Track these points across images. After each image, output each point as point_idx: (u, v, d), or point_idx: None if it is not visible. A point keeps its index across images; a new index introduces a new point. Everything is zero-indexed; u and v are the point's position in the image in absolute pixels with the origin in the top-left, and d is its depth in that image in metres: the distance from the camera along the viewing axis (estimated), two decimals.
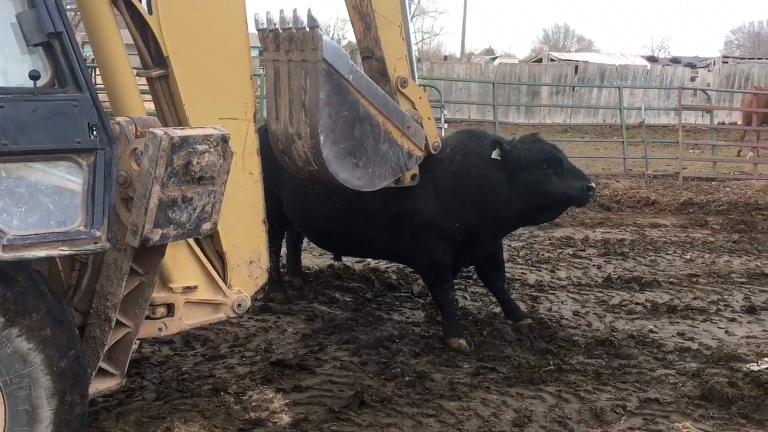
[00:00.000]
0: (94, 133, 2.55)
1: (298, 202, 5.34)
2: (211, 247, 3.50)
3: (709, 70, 27.89)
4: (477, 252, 5.20)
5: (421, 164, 4.80)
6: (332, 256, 6.94)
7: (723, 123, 22.56)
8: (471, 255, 5.20)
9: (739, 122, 19.65)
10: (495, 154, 4.81)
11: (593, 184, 4.94)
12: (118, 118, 2.83)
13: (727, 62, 30.07)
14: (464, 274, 6.50)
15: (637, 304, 6.09)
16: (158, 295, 3.29)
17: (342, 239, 5.46)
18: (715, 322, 5.71)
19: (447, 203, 4.90)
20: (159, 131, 2.62)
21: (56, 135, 2.50)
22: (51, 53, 2.52)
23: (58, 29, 2.49)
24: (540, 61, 33.80)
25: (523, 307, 5.76)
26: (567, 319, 5.67)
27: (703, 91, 19.86)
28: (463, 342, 4.91)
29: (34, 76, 2.44)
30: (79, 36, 13.10)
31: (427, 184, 4.87)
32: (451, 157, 4.95)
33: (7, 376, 2.52)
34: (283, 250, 6.26)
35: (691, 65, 30.18)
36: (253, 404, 4.04)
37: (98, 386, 3.06)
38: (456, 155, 4.97)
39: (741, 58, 35.59)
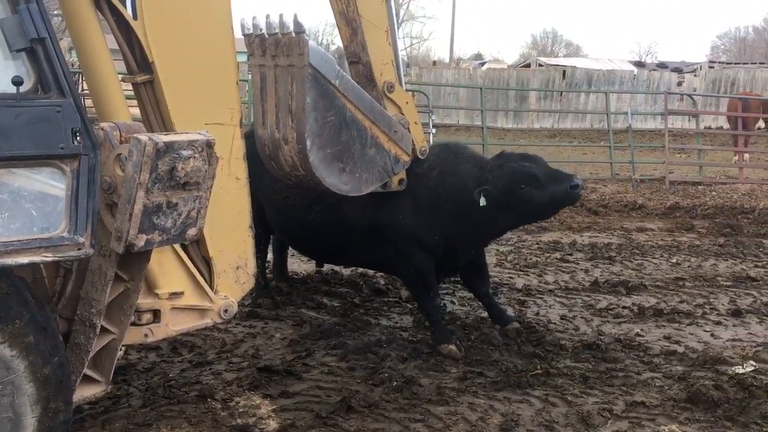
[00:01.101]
0: (78, 138, 2.54)
1: (280, 211, 5.35)
2: (197, 253, 3.49)
3: (695, 75, 28.09)
4: (461, 260, 5.21)
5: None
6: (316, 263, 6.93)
7: (709, 127, 22.73)
8: (455, 263, 5.22)
9: (725, 127, 19.81)
10: (482, 202, 4.72)
11: (577, 181, 4.85)
12: (103, 124, 2.82)
13: (713, 67, 30.29)
14: (452, 279, 6.51)
15: (623, 307, 6.12)
16: (144, 301, 3.27)
17: (324, 248, 5.49)
18: (701, 326, 5.74)
19: (426, 218, 4.90)
20: (143, 137, 2.62)
21: (39, 141, 2.48)
22: (34, 59, 2.51)
23: (41, 35, 2.48)
24: (528, 66, 33.93)
25: (510, 311, 5.78)
26: (554, 323, 5.68)
27: (690, 96, 20.02)
28: (453, 348, 4.91)
29: (17, 81, 2.43)
30: (66, 41, 13.05)
31: (406, 197, 4.87)
32: (428, 173, 4.91)
33: None
34: (270, 256, 6.24)
35: (677, 70, 30.38)
36: (240, 410, 4.03)
37: (83, 393, 3.04)
38: (433, 171, 4.92)
39: (727, 63, 35.89)
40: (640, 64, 36.54)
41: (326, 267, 6.87)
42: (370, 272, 6.76)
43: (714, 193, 12.20)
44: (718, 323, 5.82)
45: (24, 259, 2.44)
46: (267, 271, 6.12)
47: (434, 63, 42.72)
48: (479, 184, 4.80)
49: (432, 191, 4.90)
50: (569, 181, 4.82)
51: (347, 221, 4.98)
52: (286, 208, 5.26)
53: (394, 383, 4.39)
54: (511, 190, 4.76)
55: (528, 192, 4.76)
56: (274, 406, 4.09)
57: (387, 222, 4.91)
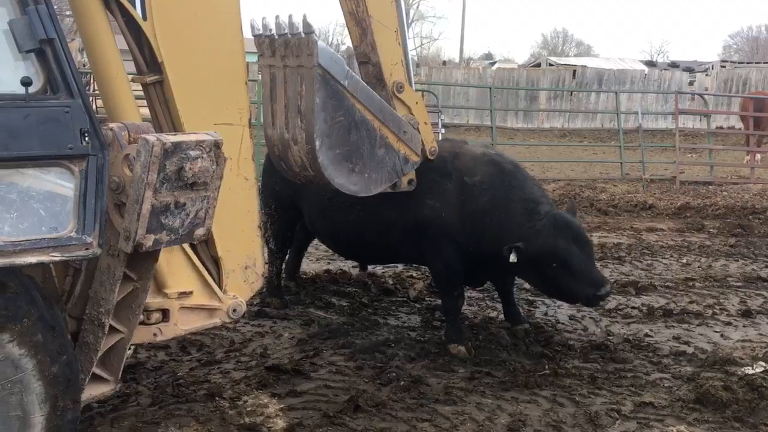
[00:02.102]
0: (86, 139, 2.56)
1: (324, 214, 5.35)
2: (206, 253, 3.50)
3: (707, 75, 27.92)
4: (489, 271, 5.20)
5: (450, 178, 4.84)
6: (329, 261, 6.96)
7: (721, 127, 22.60)
8: (483, 271, 5.18)
9: (737, 126, 19.68)
10: (512, 259, 4.59)
11: (604, 292, 4.69)
12: (111, 124, 2.83)
13: (725, 67, 30.10)
14: None
15: (633, 308, 6.10)
16: (153, 301, 3.29)
17: (369, 249, 5.47)
18: (711, 326, 5.72)
19: (466, 227, 4.88)
20: (151, 137, 2.63)
21: (48, 141, 2.50)
22: (43, 60, 2.52)
23: (50, 36, 2.49)
24: (538, 65, 33.85)
25: (521, 311, 5.76)
26: (563, 323, 5.67)
27: (701, 95, 19.91)
28: (462, 349, 4.90)
29: (26, 82, 2.44)
30: (77, 42, 13.12)
31: (453, 199, 4.87)
32: (478, 195, 4.86)
33: None
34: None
35: (689, 70, 30.21)
36: (248, 409, 4.04)
37: (92, 392, 3.06)
38: (483, 195, 4.84)
39: (739, 63, 35.65)
40: (651, 64, 36.36)
41: (334, 267, 6.89)
42: (379, 272, 6.78)
43: (725, 193, 12.13)
44: (728, 324, 5.79)
45: (32, 259, 2.46)
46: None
47: (444, 63, 42.67)
48: (520, 234, 4.67)
49: (477, 214, 4.84)
50: (597, 289, 4.68)
51: (391, 217, 4.98)
52: (330, 211, 5.25)
53: (402, 383, 4.40)
54: (539, 260, 4.66)
55: (554, 272, 4.67)
56: (282, 405, 4.10)
57: (429, 218, 4.90)
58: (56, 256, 2.51)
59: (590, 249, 4.82)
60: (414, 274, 6.75)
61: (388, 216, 5.00)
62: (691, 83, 26.32)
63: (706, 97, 18.82)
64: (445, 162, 4.93)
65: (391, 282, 6.57)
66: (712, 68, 29.24)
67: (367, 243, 5.35)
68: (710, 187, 12.71)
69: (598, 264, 7.43)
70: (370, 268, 6.80)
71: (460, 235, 4.89)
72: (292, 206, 5.53)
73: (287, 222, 5.69)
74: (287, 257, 6.25)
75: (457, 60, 46.29)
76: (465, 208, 4.87)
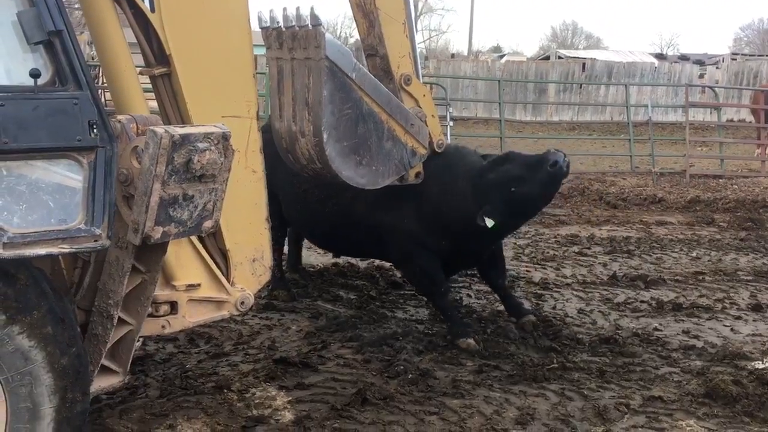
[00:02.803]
0: (95, 131, 2.56)
1: (296, 204, 5.39)
2: (214, 245, 3.50)
3: (717, 67, 27.74)
4: (473, 257, 5.21)
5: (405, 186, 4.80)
6: (333, 255, 6.95)
7: (731, 120, 22.46)
8: (466, 260, 5.20)
9: (748, 120, 19.55)
10: (490, 223, 4.65)
11: (553, 157, 4.68)
12: (119, 116, 2.83)
13: (735, 59, 29.89)
14: (468, 272, 6.49)
15: (642, 302, 6.07)
16: (161, 293, 3.29)
17: (338, 241, 5.55)
18: (721, 320, 5.69)
19: (429, 223, 4.89)
20: (159, 129, 2.62)
21: (57, 133, 2.50)
22: (51, 51, 2.52)
23: (59, 27, 2.49)
24: (548, 58, 33.70)
25: (527, 304, 5.75)
26: (571, 317, 5.65)
27: (711, 88, 19.78)
28: (471, 342, 4.88)
29: (35, 74, 2.44)
30: (86, 35, 13.15)
31: (410, 202, 4.87)
32: (429, 187, 4.85)
33: (8, 374, 2.53)
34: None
35: (699, 62, 30.05)
36: (256, 401, 4.05)
37: (101, 383, 3.07)
38: (433, 188, 4.85)
39: (750, 55, 35.40)
40: (661, 56, 36.19)
41: (343, 259, 6.89)
42: (387, 265, 6.76)
43: (735, 186, 12.06)
44: (738, 318, 5.76)
45: (41, 251, 2.46)
46: (283, 263, 6.14)
47: (452, 56, 42.52)
48: (475, 201, 4.74)
49: (436, 201, 4.86)
50: (546, 161, 4.70)
51: (358, 216, 5.01)
52: (302, 202, 5.30)
53: (410, 376, 4.40)
54: (505, 200, 4.69)
55: (519, 192, 4.69)
56: (290, 398, 4.11)
57: (391, 222, 4.94)
58: (65, 248, 2.52)
59: (518, 154, 4.96)
60: None
61: (355, 214, 5.03)
62: (701, 76, 26.15)
63: (716, 89, 18.70)
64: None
65: (399, 275, 6.56)
66: (723, 61, 29.06)
67: (338, 237, 5.42)
68: (720, 180, 12.63)
69: (606, 258, 7.45)
70: (377, 261, 6.79)
71: (425, 236, 4.90)
72: (273, 196, 5.49)
73: (271, 211, 5.66)
74: (288, 249, 6.26)
75: (465, 53, 46.19)
76: (423, 207, 4.88)
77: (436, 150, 4.79)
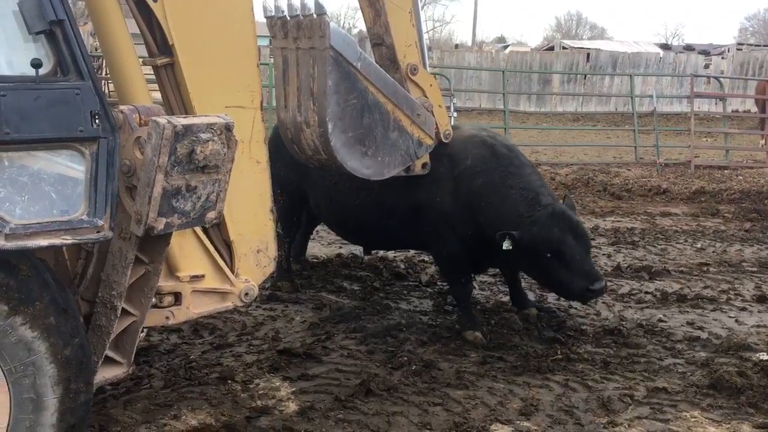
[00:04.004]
0: (97, 121, 2.54)
1: (329, 199, 5.34)
2: (218, 236, 3.49)
3: (723, 58, 27.62)
4: (498, 257, 5.16)
5: (442, 161, 4.74)
6: (340, 245, 6.95)
7: (736, 111, 22.36)
8: (492, 259, 5.12)
9: (753, 110, 19.46)
10: (506, 246, 4.54)
11: (599, 286, 4.60)
12: (122, 107, 2.81)
13: (741, 49, 29.74)
14: None
15: (646, 293, 6.06)
16: (165, 284, 3.29)
17: (372, 233, 5.43)
18: (725, 312, 5.67)
19: (462, 210, 4.82)
20: (162, 120, 2.61)
21: (58, 123, 2.48)
22: (53, 41, 2.50)
23: (60, 17, 2.47)
24: (552, 49, 33.57)
25: (531, 296, 5.74)
26: (575, 308, 5.64)
27: (716, 78, 19.68)
28: (478, 335, 4.87)
29: (36, 64, 2.43)
30: (89, 25, 13.13)
31: (447, 183, 4.81)
32: (470, 173, 4.79)
33: (11, 364, 2.53)
34: None
35: (705, 53, 29.89)
36: (260, 392, 4.06)
37: (105, 374, 3.06)
38: (476, 178, 4.77)
39: (756, 45, 35.21)
40: (666, 47, 36.01)
41: (346, 251, 6.88)
42: (390, 256, 6.76)
43: (740, 177, 12.02)
44: (743, 309, 5.75)
45: (44, 242, 2.45)
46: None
47: (456, 46, 42.41)
48: (518, 222, 4.60)
49: (471, 197, 4.77)
50: (590, 283, 4.58)
51: (392, 201, 4.95)
52: (335, 195, 5.23)
53: (414, 367, 4.39)
54: (534, 249, 4.57)
55: (549, 262, 4.59)
56: (294, 389, 4.11)
57: (427, 202, 4.86)
58: (68, 239, 2.51)
59: (586, 244, 4.73)
60: (426, 259, 6.73)
61: (388, 201, 4.98)
62: (706, 66, 26.02)
63: (721, 80, 18.60)
64: (437, 146, 4.81)
65: (402, 266, 6.56)
66: (728, 51, 28.95)
67: (370, 228, 5.33)
68: (725, 171, 12.58)
69: (610, 249, 7.42)
70: (380, 252, 6.78)
71: (457, 221, 4.84)
72: (298, 191, 5.51)
73: (294, 206, 5.67)
74: (296, 239, 6.25)
75: (469, 43, 46.03)
76: (459, 191, 4.81)
77: (443, 140, 4.76)
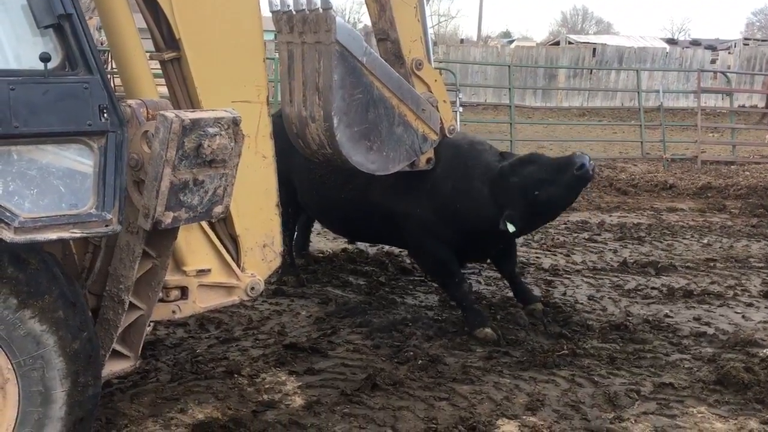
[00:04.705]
0: (105, 115, 2.54)
1: (312, 191, 5.36)
2: (224, 231, 3.50)
3: (729, 53, 27.50)
4: (486, 250, 5.18)
5: (416, 174, 4.74)
6: (346, 240, 6.95)
7: (743, 106, 22.28)
8: (480, 252, 5.16)
9: (760, 105, 19.38)
10: (512, 228, 4.57)
11: (579, 160, 4.58)
12: (129, 101, 2.82)
13: (748, 44, 29.60)
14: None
15: (653, 288, 6.05)
16: (172, 278, 3.30)
17: (354, 228, 5.51)
18: (732, 307, 5.66)
19: (443, 216, 4.84)
20: (170, 114, 2.61)
21: (67, 117, 2.49)
22: (61, 35, 2.51)
23: (68, 11, 2.47)
24: (557, 44, 33.46)
25: (537, 291, 5.74)
26: (581, 303, 5.63)
27: (723, 73, 19.63)
28: (489, 331, 4.83)
29: (45, 58, 2.43)
30: (95, 20, 13.16)
31: (422, 194, 4.83)
32: (440, 179, 4.81)
33: (20, 357, 2.54)
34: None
35: (711, 47, 29.75)
36: (267, 386, 4.06)
37: (112, 368, 3.08)
38: (446, 183, 4.79)
39: (762, 40, 35.04)
40: (672, 42, 35.87)
41: (352, 245, 6.89)
42: (396, 251, 6.76)
43: (747, 172, 11.98)
44: (750, 305, 5.73)
45: (52, 236, 2.46)
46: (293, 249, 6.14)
47: (462, 41, 42.32)
48: (493, 204, 4.67)
49: (446, 202, 4.80)
50: (573, 164, 4.60)
51: (374, 201, 4.98)
52: (319, 188, 5.27)
53: (419, 362, 4.40)
54: (528, 203, 4.62)
55: (543, 196, 4.62)
56: (300, 383, 4.12)
57: (404, 211, 4.90)
58: (76, 233, 2.52)
59: (542, 157, 4.80)
60: None
61: (372, 199, 5.00)
62: (713, 61, 25.94)
63: (728, 75, 18.54)
64: None
65: (408, 261, 6.56)
66: (735, 46, 28.80)
67: (353, 221, 5.38)
68: (732, 166, 12.55)
69: (616, 244, 7.41)
70: (386, 248, 6.78)
71: (438, 227, 4.85)
72: (287, 182, 5.49)
73: (287, 198, 5.67)
74: (297, 233, 6.26)
75: (474, 38, 45.93)
76: (434, 201, 4.83)
77: (447, 135, 4.76)
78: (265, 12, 3.88)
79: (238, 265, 3.49)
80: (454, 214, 4.81)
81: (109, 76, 3.33)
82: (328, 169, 5.00)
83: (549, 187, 4.62)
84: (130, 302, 2.97)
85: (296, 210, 5.79)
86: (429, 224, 4.88)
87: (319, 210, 5.63)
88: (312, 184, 5.34)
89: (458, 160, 4.86)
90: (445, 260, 4.99)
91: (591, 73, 24.51)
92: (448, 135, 4.77)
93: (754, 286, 6.19)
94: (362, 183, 4.87)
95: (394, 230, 5.08)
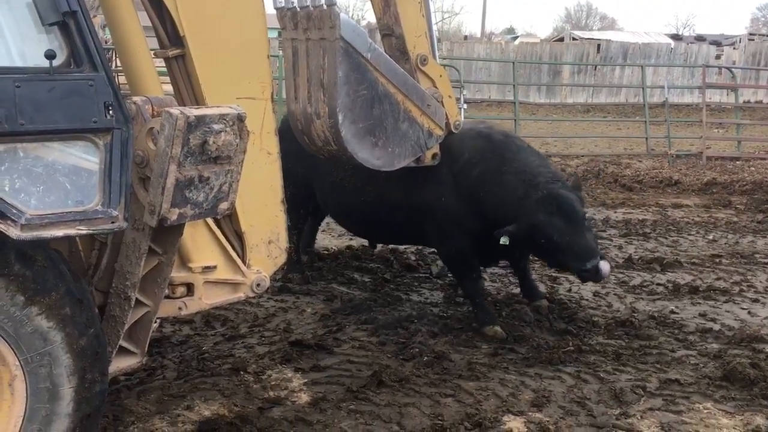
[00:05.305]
0: (110, 112, 2.55)
1: (335, 194, 5.34)
2: (230, 227, 3.50)
3: (734, 48, 27.38)
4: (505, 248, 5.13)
5: (444, 160, 4.72)
6: (351, 237, 6.96)
7: (748, 101, 22.20)
8: (500, 250, 5.10)
9: (765, 101, 19.31)
10: (503, 241, 4.49)
11: (590, 265, 4.43)
12: (135, 98, 2.82)
13: (753, 39, 29.47)
14: None
15: (658, 284, 6.03)
16: (178, 275, 3.30)
17: (377, 228, 5.44)
18: (738, 303, 5.65)
19: (466, 205, 4.80)
20: (175, 110, 2.61)
21: (72, 115, 2.49)
22: (66, 32, 2.51)
23: (73, 8, 2.48)
24: (562, 40, 33.38)
25: (542, 287, 5.73)
26: (587, 299, 5.63)
27: (728, 69, 19.54)
28: (498, 329, 4.83)
29: (50, 55, 2.43)
30: (99, 18, 13.17)
31: (448, 180, 4.79)
32: (468, 166, 4.76)
33: (27, 354, 2.55)
34: None
35: (716, 43, 29.66)
36: (273, 383, 4.07)
37: (119, 365, 3.09)
38: (473, 170, 4.74)
39: (767, 36, 34.90)
40: (677, 37, 35.75)
41: (357, 242, 6.88)
42: (401, 248, 6.76)
43: (752, 168, 11.94)
44: (756, 301, 5.72)
45: (59, 232, 2.47)
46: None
47: (465, 37, 42.23)
48: (515, 210, 4.54)
49: (471, 190, 4.75)
50: (584, 263, 4.46)
51: (395, 199, 4.94)
52: (340, 190, 5.23)
53: (425, 358, 4.40)
54: (532, 238, 4.51)
55: (545, 247, 4.54)
56: (306, 380, 4.12)
57: (430, 202, 4.85)
58: (82, 230, 2.52)
59: (578, 223, 4.52)
60: (436, 251, 6.72)
61: (393, 198, 4.97)
62: (718, 57, 25.84)
63: (733, 70, 18.46)
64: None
65: (413, 258, 6.56)
66: (740, 41, 28.67)
67: (375, 223, 5.34)
68: (737, 162, 12.50)
69: (621, 240, 7.39)
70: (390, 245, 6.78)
71: (462, 218, 4.82)
72: (306, 184, 5.50)
73: (302, 199, 5.67)
74: (305, 230, 6.25)
75: (478, 35, 45.84)
76: (460, 187, 4.78)
77: (453, 131, 4.75)
78: (269, 9, 3.87)
79: (244, 262, 3.50)
80: (478, 202, 4.73)
81: (113, 74, 3.34)
82: (347, 170, 4.96)
83: (557, 247, 4.50)
84: (137, 299, 2.98)
85: (309, 211, 5.80)
86: (452, 212, 4.82)
87: (340, 212, 5.59)
88: (333, 187, 5.30)
89: (492, 151, 4.78)
90: (465, 252, 4.94)
91: (595, 69, 24.43)
92: (453, 130, 4.75)
93: (760, 282, 6.17)
94: (383, 180, 4.78)
95: (417, 226, 5.01)
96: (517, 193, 4.60)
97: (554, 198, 4.50)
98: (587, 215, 4.76)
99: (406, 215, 5.00)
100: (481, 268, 5.22)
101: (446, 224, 4.89)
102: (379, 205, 5.07)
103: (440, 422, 3.71)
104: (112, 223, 2.58)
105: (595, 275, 4.52)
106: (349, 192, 5.17)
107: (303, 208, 5.76)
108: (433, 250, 6.72)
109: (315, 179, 5.41)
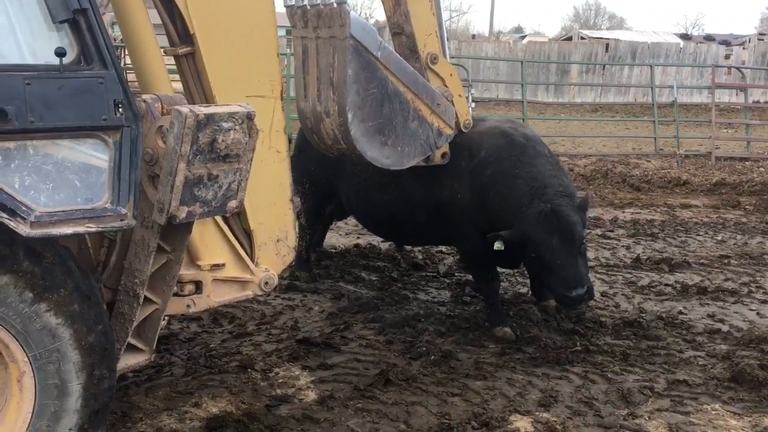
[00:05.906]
0: (120, 110, 2.55)
1: (359, 195, 5.32)
2: (238, 226, 3.50)
3: (744, 48, 27.23)
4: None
5: (460, 157, 4.71)
6: (358, 235, 6.96)
7: (758, 102, 22.09)
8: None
9: None
10: (497, 246, 4.46)
11: (574, 294, 4.32)
12: (144, 96, 2.82)
13: (762, 39, 29.31)
14: None
15: (666, 285, 6.01)
16: (186, 273, 3.31)
17: (402, 228, 5.39)
18: (747, 304, 5.62)
19: (479, 203, 4.77)
20: (184, 108, 2.62)
21: (82, 112, 2.50)
22: (76, 30, 2.51)
23: (83, 6, 2.48)
24: (570, 39, 33.29)
25: None
26: (595, 300, 5.59)
27: (738, 68, 19.45)
28: (507, 330, 4.82)
29: (60, 53, 2.44)
30: (109, 16, 13.21)
31: (465, 176, 4.77)
32: (483, 164, 4.73)
33: (36, 351, 2.56)
34: None
35: (725, 43, 29.51)
36: (280, 381, 4.08)
37: (127, 362, 3.10)
38: (487, 169, 4.70)
39: None
40: (686, 37, 35.60)
41: (364, 241, 6.89)
42: (408, 247, 6.75)
43: (762, 169, 11.89)
44: (764, 302, 5.69)
45: (68, 230, 2.47)
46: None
47: (474, 36, 42.18)
48: (518, 215, 4.49)
49: (482, 188, 4.72)
50: (566, 290, 4.35)
51: (417, 198, 4.93)
52: (365, 192, 5.21)
53: (432, 357, 4.39)
54: (522, 247, 4.47)
55: (534, 261, 4.50)
56: (313, 378, 4.12)
57: (448, 199, 4.83)
58: (92, 227, 2.53)
59: (573, 247, 4.41)
60: (443, 249, 6.72)
61: (415, 198, 4.96)
62: (727, 56, 25.70)
63: (743, 70, 18.37)
64: (456, 139, 4.74)
65: (420, 257, 6.56)
66: (749, 41, 28.50)
67: (399, 224, 5.29)
68: (746, 162, 12.45)
69: (629, 240, 7.36)
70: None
71: (477, 217, 4.79)
72: (328, 187, 5.50)
73: (320, 201, 5.67)
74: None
75: (486, 34, 45.76)
76: (473, 185, 4.76)
77: (463, 130, 4.74)
78: (279, 7, 3.87)
79: (252, 260, 3.50)
80: (486, 201, 4.71)
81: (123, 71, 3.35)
82: (369, 171, 4.91)
83: (545, 265, 4.43)
84: (145, 296, 2.98)
85: (326, 213, 5.81)
86: (471, 212, 4.79)
87: (367, 214, 5.55)
88: (357, 190, 5.29)
89: (510, 151, 4.72)
90: (480, 252, 4.90)
91: (604, 68, 24.34)
92: (463, 130, 4.74)
93: None
94: (406, 180, 4.78)
95: (439, 224, 4.98)
96: (522, 200, 4.54)
97: (556, 215, 4.41)
98: (585, 236, 4.68)
99: (428, 213, 4.99)
100: (503, 268, 5.16)
101: (463, 222, 4.87)
102: (403, 205, 5.05)
103: (447, 421, 3.71)
104: (121, 220, 2.58)
105: (576, 304, 4.47)
106: (373, 192, 5.16)
107: (322, 209, 5.76)
108: (440, 249, 6.74)
109: (340, 182, 5.39)
